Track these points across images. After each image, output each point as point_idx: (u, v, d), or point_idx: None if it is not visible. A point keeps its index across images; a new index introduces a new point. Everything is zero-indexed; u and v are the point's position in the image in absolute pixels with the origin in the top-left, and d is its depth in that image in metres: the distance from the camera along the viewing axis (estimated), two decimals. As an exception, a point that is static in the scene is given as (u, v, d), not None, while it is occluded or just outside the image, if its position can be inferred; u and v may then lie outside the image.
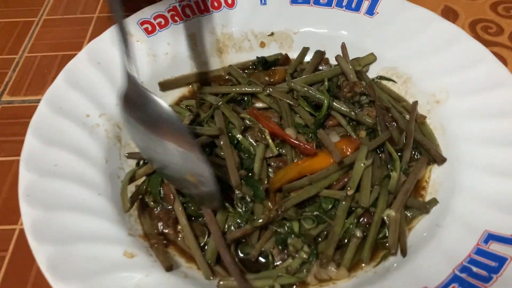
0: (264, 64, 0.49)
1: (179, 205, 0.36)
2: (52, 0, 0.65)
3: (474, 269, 0.29)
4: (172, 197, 0.36)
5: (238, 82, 0.46)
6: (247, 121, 0.41)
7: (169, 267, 0.32)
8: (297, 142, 0.38)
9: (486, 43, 0.55)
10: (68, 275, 0.30)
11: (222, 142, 0.39)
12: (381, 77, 0.47)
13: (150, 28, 0.47)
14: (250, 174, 0.37)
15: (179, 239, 0.36)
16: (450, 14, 0.59)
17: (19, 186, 0.35)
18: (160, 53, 0.47)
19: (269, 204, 0.35)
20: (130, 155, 0.41)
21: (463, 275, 0.29)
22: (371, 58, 0.47)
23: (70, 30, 0.60)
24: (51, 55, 0.57)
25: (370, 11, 0.48)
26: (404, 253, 0.34)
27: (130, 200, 0.37)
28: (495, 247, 0.30)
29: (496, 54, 0.54)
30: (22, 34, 0.60)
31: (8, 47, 0.58)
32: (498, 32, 0.56)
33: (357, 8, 0.48)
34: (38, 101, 0.51)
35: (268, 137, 0.39)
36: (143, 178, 0.39)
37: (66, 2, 0.65)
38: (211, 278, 0.33)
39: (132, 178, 0.38)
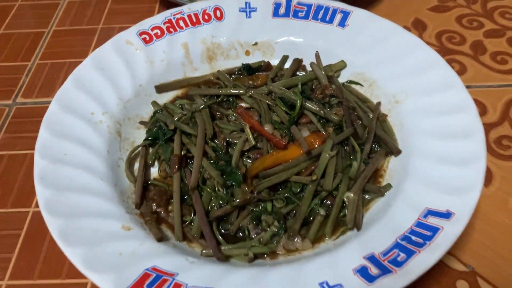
0: (248, 70, 0.55)
1: (178, 176, 0.43)
2: (61, 13, 0.72)
3: (413, 237, 0.35)
4: (176, 167, 0.43)
5: (225, 85, 0.52)
6: (232, 117, 0.48)
7: (160, 239, 0.38)
8: (270, 135, 0.44)
9: (450, 51, 0.61)
10: (75, 242, 0.36)
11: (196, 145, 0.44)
12: (350, 81, 0.53)
13: (147, 38, 0.54)
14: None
15: (170, 216, 0.42)
16: (419, 25, 0.66)
17: (34, 171, 0.41)
18: (156, 60, 0.53)
19: (246, 188, 0.41)
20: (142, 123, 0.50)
21: (403, 242, 0.35)
22: (342, 65, 0.53)
23: (77, 39, 0.67)
24: (59, 62, 0.63)
25: (342, 23, 0.54)
26: (358, 228, 0.39)
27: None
28: (432, 220, 0.36)
29: (458, 61, 0.60)
30: (34, 43, 0.67)
31: (21, 55, 0.65)
32: (461, 41, 0.63)
33: (330, 21, 0.55)
34: (49, 102, 0.57)
35: (248, 130, 0.45)
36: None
37: (74, 15, 0.71)
38: (182, 240, 0.40)
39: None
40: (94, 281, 0.33)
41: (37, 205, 0.47)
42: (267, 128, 0.46)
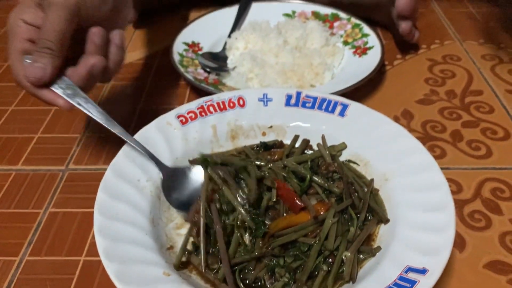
0: (265, 147, 0.67)
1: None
2: (106, 94, 0.85)
3: (396, 288, 0.45)
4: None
5: (249, 158, 0.63)
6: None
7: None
8: (293, 194, 0.54)
9: (433, 138, 0.73)
10: (128, 283, 0.45)
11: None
12: (349, 161, 0.64)
13: (184, 120, 0.66)
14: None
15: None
16: (407, 115, 0.78)
17: (94, 224, 0.50)
18: (190, 138, 0.65)
19: (261, 244, 0.51)
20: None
21: (388, 292, 0.44)
22: (343, 146, 0.65)
23: (120, 117, 0.79)
24: (105, 136, 0.75)
25: (342, 113, 0.66)
26: (353, 281, 0.49)
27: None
28: (411, 275, 0.45)
29: (439, 146, 0.72)
30: (83, 119, 0.79)
31: (72, 128, 0.77)
32: (442, 130, 0.75)
33: (332, 111, 0.67)
34: (96, 169, 0.69)
35: (274, 188, 0.55)
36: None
37: (116, 95, 0.85)
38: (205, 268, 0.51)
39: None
40: (144, 313, 0.42)
41: (87, 255, 0.57)
42: (283, 195, 0.56)
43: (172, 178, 0.59)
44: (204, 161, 0.59)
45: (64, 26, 0.53)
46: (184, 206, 0.58)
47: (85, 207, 0.63)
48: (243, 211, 0.53)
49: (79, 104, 0.56)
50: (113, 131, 0.59)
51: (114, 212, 0.53)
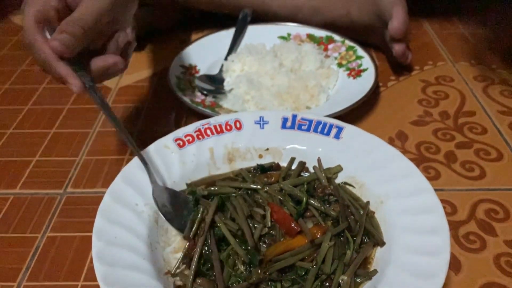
0: (262, 169, 0.68)
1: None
2: (104, 117, 0.86)
3: (393, 313, 0.45)
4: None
5: (246, 181, 0.64)
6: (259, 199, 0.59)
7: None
8: (289, 218, 0.54)
9: (427, 159, 0.74)
10: (126, 309, 0.45)
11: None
12: (345, 183, 0.64)
13: (181, 143, 0.66)
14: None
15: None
16: (402, 137, 0.79)
17: (92, 250, 0.50)
18: (187, 161, 0.65)
19: (259, 270, 0.51)
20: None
21: (385, 316, 0.45)
22: (338, 168, 0.66)
23: (117, 139, 0.80)
24: (103, 159, 0.76)
25: (337, 136, 0.67)
26: (350, 305, 0.49)
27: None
28: (408, 300, 0.46)
29: (433, 168, 0.72)
30: (81, 142, 0.80)
31: (70, 151, 0.78)
32: (436, 151, 0.76)
33: (327, 134, 0.68)
34: (94, 192, 0.69)
35: (268, 213, 0.56)
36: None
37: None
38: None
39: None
40: None
41: (85, 279, 0.57)
42: (280, 218, 0.57)
43: (164, 195, 0.60)
44: (192, 192, 0.61)
45: (99, 17, 0.54)
46: (176, 221, 0.58)
47: (83, 231, 0.63)
48: (236, 246, 0.53)
49: (88, 91, 0.55)
50: (115, 127, 0.60)
51: (112, 237, 0.53)
